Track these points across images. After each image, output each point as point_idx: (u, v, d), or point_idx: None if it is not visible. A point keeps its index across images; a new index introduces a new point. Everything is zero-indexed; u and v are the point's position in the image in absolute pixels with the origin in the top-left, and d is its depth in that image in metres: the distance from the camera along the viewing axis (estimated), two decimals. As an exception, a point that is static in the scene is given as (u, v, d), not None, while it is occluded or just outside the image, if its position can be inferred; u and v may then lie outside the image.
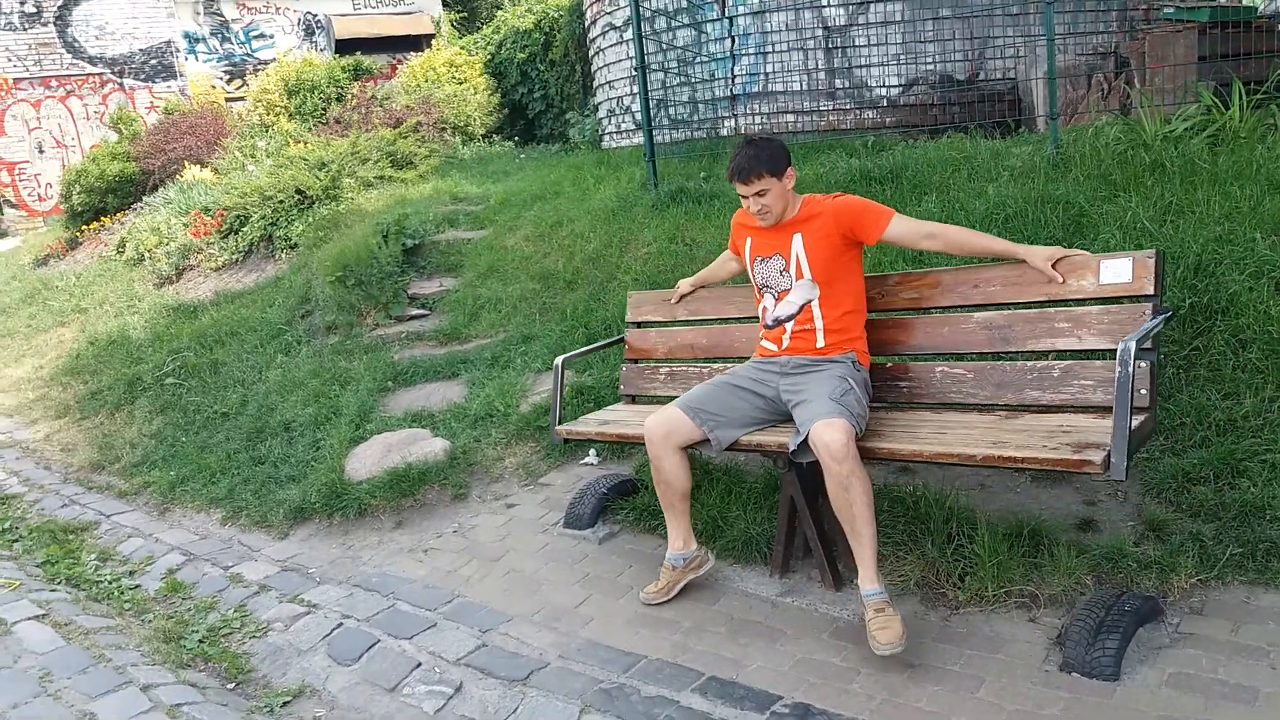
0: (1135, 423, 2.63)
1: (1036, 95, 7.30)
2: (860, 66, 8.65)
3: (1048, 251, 3.03)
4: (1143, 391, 2.78)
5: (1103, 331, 2.92)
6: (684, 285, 4.05)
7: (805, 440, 2.95)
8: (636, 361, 4.21)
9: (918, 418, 3.22)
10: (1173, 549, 3.00)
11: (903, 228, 3.21)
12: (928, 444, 2.91)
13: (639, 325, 4.23)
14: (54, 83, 18.96)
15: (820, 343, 3.26)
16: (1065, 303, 3.04)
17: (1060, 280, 2.99)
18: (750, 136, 3.32)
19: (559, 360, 4.02)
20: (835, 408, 2.96)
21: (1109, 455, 2.55)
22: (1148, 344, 2.74)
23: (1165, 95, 5.84)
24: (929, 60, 8.47)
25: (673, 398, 3.97)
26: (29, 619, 3.66)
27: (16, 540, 4.87)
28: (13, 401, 7.69)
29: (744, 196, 3.30)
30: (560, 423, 3.96)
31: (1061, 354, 3.09)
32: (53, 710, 3.00)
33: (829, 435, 2.85)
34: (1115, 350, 2.66)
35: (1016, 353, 3.15)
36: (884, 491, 3.54)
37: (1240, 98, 5.11)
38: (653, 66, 9.36)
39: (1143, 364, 2.78)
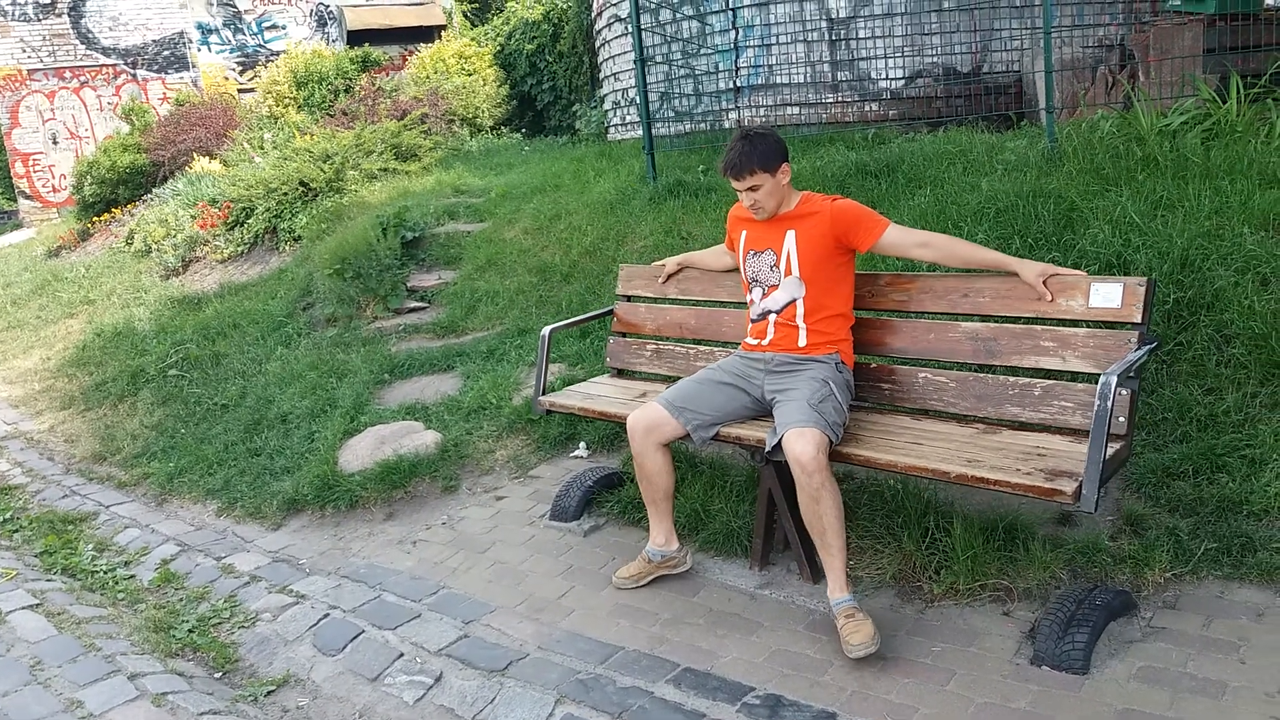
0: (1110, 451, 2.65)
1: (1039, 88, 7.28)
2: (864, 59, 8.62)
3: (1040, 267, 3.01)
4: (1120, 419, 2.78)
5: (1087, 355, 2.91)
6: (670, 263, 4.04)
7: (780, 442, 2.97)
8: (624, 335, 4.23)
9: (897, 423, 3.24)
10: (1148, 543, 3.02)
11: (896, 237, 3.20)
12: (904, 455, 2.93)
13: (629, 299, 4.25)
14: (68, 74, 19.10)
15: (802, 341, 3.27)
16: (1053, 321, 3.02)
17: (1049, 298, 2.98)
18: (746, 130, 3.32)
19: (546, 330, 4.05)
20: (811, 415, 2.97)
21: (1081, 485, 2.57)
22: (1130, 374, 2.74)
23: (1170, 89, 5.81)
24: (932, 52, 8.44)
25: (658, 375, 4.04)
26: (23, 608, 3.71)
27: (16, 531, 4.94)
28: (20, 393, 7.78)
29: (738, 191, 3.31)
30: (544, 394, 4.00)
31: (1044, 373, 3.09)
32: (41, 698, 3.06)
33: (800, 446, 2.87)
34: (1097, 375, 2.67)
35: (1000, 367, 3.15)
36: (864, 485, 3.56)
37: (1238, 91, 5.09)
38: (656, 58, 9.37)
39: (1123, 392, 2.76)
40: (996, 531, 3.13)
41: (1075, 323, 2.99)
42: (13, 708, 2.99)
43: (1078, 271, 3.02)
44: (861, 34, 8.56)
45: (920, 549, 3.18)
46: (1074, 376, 3.04)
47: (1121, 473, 3.39)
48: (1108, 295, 2.87)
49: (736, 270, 3.66)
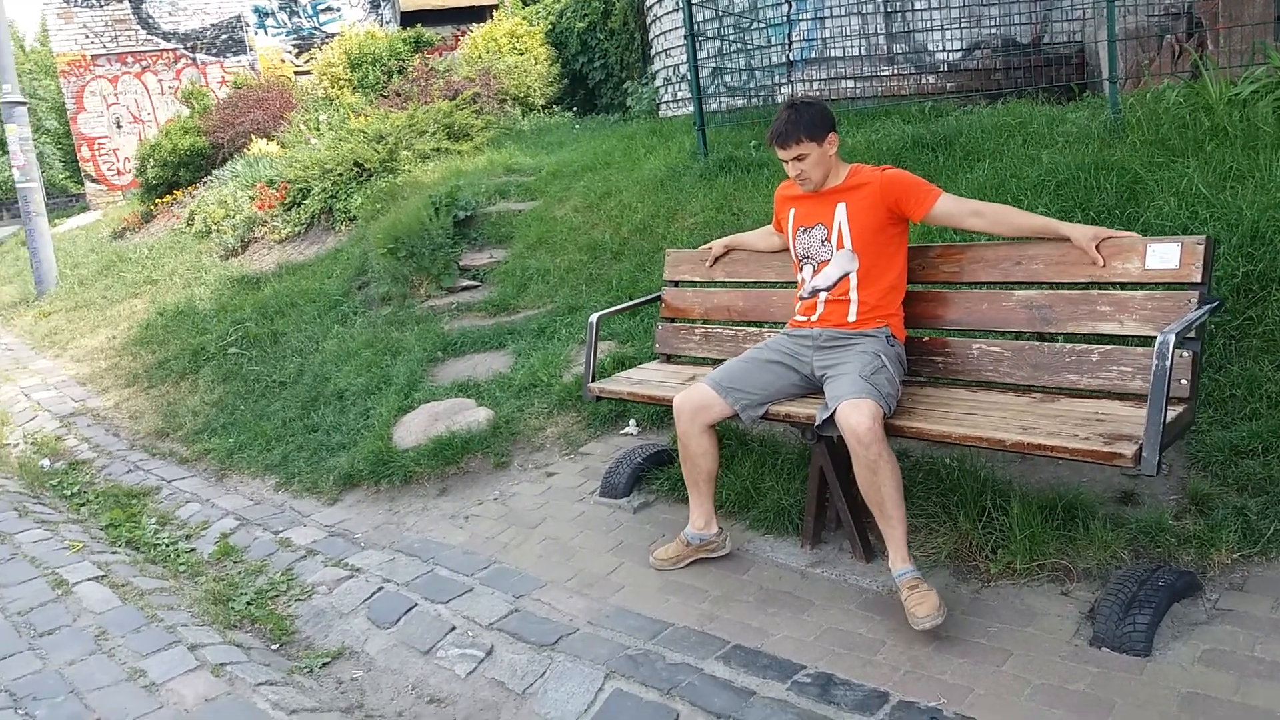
0: (1171, 415, 2.57)
1: (1102, 58, 7.07)
2: (920, 30, 8.45)
3: (1092, 231, 2.94)
4: (1182, 382, 2.70)
5: (1145, 318, 2.83)
6: (717, 246, 4.00)
7: (832, 416, 2.93)
8: (673, 320, 4.21)
9: (951, 395, 3.17)
10: (1215, 523, 2.92)
11: (949, 206, 3.14)
12: (957, 425, 2.87)
13: (676, 284, 4.22)
14: (130, 59, 19.47)
15: (852, 316, 3.22)
16: (1109, 285, 2.95)
17: (1101, 262, 2.90)
18: (793, 100, 3.27)
19: (594, 317, 4.04)
20: (864, 387, 2.92)
21: (1140, 449, 2.49)
22: (1190, 334, 2.66)
23: (1239, 57, 5.60)
24: (991, 23, 8.24)
25: (707, 359, 4.01)
26: (89, 580, 3.82)
27: (84, 504, 5.08)
28: (87, 370, 7.99)
29: (784, 161, 3.26)
30: (594, 380, 3.99)
31: (1102, 338, 3.01)
32: (105, 667, 3.14)
33: (855, 418, 2.82)
34: (1156, 338, 2.59)
35: (1056, 334, 3.07)
36: (919, 464, 3.50)
37: (1313, 57, 4.89)
38: (708, 34, 9.27)
39: (1184, 354, 2.69)
40: (1055, 510, 3.06)
41: (1133, 285, 2.91)
42: (79, 676, 3.07)
43: (1130, 233, 2.93)
44: (918, 5, 8.38)
45: (977, 528, 3.12)
46: (1133, 341, 2.96)
47: (1187, 450, 3.30)
48: (1165, 256, 2.79)
49: (784, 251, 3.62)
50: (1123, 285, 2.94)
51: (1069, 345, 3.02)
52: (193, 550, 4.38)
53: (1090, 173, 4.54)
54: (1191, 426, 2.96)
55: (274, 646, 3.45)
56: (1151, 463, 2.48)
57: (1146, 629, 2.59)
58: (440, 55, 14.99)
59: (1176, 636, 2.61)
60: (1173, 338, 2.49)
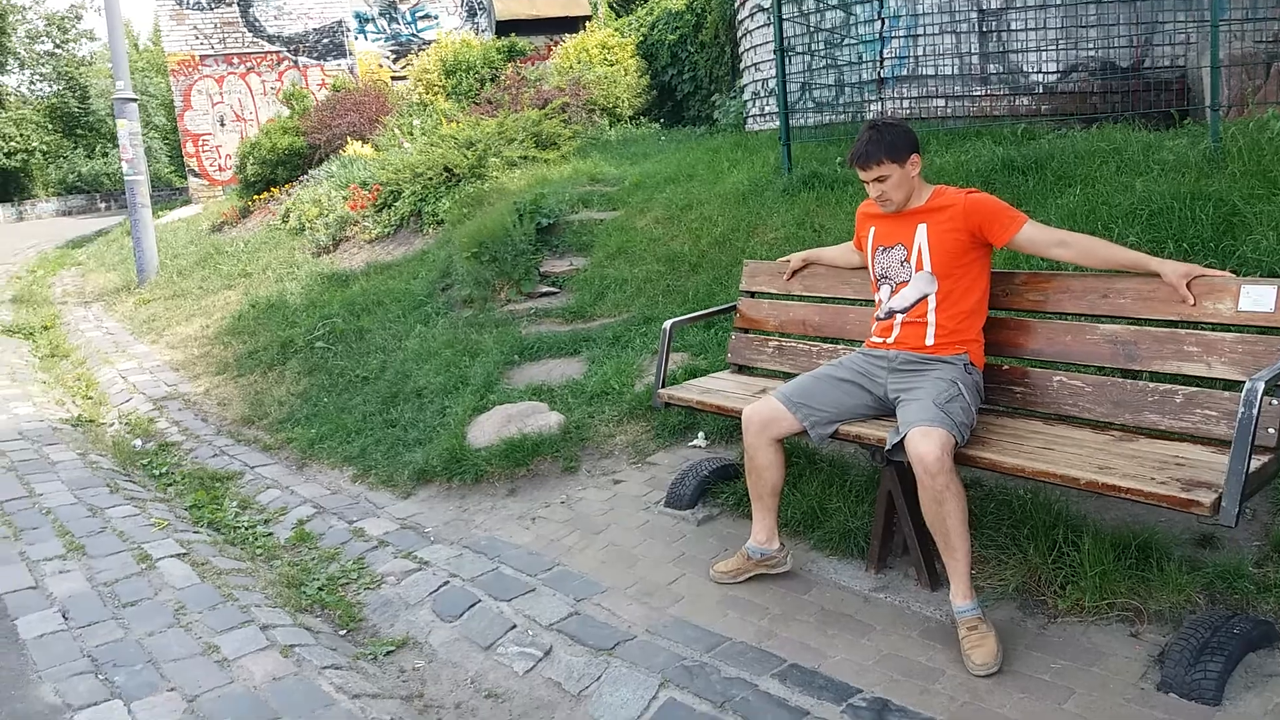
0: (1255, 465, 2.48)
1: (1205, 84, 6.86)
2: (1016, 51, 8.30)
3: (1184, 268, 2.86)
4: (1270, 431, 2.60)
5: (1234, 361, 2.74)
6: (795, 259, 3.99)
7: (902, 441, 2.90)
8: (746, 331, 4.21)
9: (1028, 427, 3.12)
10: (1298, 573, 2.82)
11: (1033, 234, 3.09)
12: (1031, 460, 2.82)
13: (752, 295, 4.22)
14: (235, 60, 20.22)
15: (930, 340, 3.18)
16: (1198, 325, 2.87)
17: (1192, 301, 2.83)
18: (874, 120, 3.26)
19: (668, 324, 4.06)
20: (936, 415, 2.89)
21: (1220, 498, 2.43)
22: None
23: (1351, 86, 5.40)
24: (1089, 45, 8.06)
25: (779, 373, 4.00)
26: (172, 556, 3.99)
27: (171, 485, 5.30)
28: (181, 357, 8.31)
29: (865, 182, 3.26)
30: (664, 387, 4.02)
31: (1188, 379, 2.92)
32: (182, 640, 3.28)
33: (924, 447, 2.79)
34: (1244, 383, 2.52)
35: (1140, 371, 3.00)
36: (991, 493, 3.45)
37: None
38: (798, 49, 9.26)
39: (1274, 402, 2.60)
40: (1129, 549, 2.98)
41: (1223, 327, 2.83)
42: (156, 647, 3.21)
43: (1224, 273, 2.85)
44: (1014, 25, 8.24)
45: (1046, 562, 3.06)
46: (1219, 384, 2.87)
47: (1272, 496, 3.18)
48: (1259, 298, 2.70)
49: (863, 269, 3.60)
50: (1213, 326, 2.86)
51: (1153, 384, 2.94)
52: (270, 534, 4.54)
53: (1185, 203, 4.42)
54: (1278, 476, 2.86)
55: (341, 632, 3.55)
56: (1231, 513, 2.40)
57: (1218, 677, 2.51)
58: (532, 64, 15.23)
59: (1249, 687, 2.52)
60: (1262, 385, 2.41)
